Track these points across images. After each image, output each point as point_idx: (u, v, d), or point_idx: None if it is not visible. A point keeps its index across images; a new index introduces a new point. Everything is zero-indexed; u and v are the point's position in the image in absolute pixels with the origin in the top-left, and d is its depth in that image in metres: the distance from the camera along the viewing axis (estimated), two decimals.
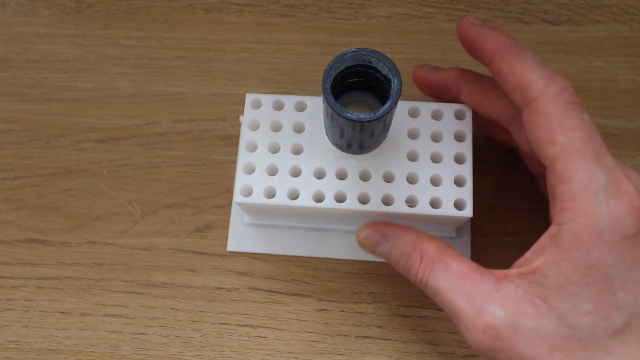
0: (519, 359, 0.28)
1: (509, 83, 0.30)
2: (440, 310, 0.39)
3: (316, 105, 0.36)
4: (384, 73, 0.29)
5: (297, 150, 0.35)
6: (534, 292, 0.28)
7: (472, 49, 0.33)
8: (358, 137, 0.30)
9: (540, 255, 0.29)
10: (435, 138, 0.35)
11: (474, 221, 0.40)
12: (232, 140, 0.43)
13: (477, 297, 0.29)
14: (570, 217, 0.28)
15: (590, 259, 0.27)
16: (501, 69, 0.31)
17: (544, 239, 0.29)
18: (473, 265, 0.30)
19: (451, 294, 0.30)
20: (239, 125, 0.43)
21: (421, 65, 0.37)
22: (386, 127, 0.31)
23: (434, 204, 0.34)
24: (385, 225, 0.34)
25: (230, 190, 0.42)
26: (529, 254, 0.30)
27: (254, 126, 0.36)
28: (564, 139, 0.28)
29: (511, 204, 0.41)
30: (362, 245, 0.34)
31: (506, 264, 0.31)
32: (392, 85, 0.28)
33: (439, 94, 0.37)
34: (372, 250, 0.34)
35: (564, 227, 0.28)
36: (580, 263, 0.27)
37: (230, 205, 0.42)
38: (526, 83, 0.29)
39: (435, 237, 0.32)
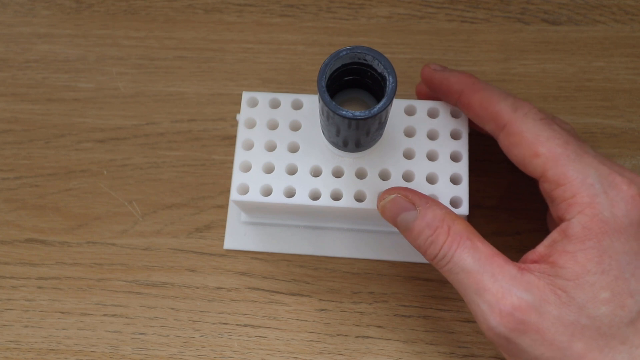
0: (541, 344, 0.29)
1: (479, 115, 0.33)
2: (440, 310, 0.39)
3: (312, 103, 0.36)
4: (379, 71, 0.29)
5: (294, 148, 0.35)
6: (554, 284, 0.29)
7: (439, 91, 0.35)
8: (354, 134, 0.30)
9: (554, 249, 0.29)
10: (432, 136, 0.35)
11: (473, 221, 0.40)
12: (232, 140, 0.43)
13: (503, 278, 0.29)
14: (577, 210, 0.29)
15: (603, 247, 0.28)
16: (470, 104, 0.33)
17: (555, 235, 0.30)
18: (497, 250, 0.31)
19: (477, 273, 0.30)
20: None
21: (430, 64, 0.37)
22: (382, 125, 0.31)
23: None
24: (412, 192, 0.32)
25: (229, 190, 0.42)
26: (541, 249, 0.30)
27: (251, 124, 0.36)
28: (544, 149, 0.30)
29: (511, 204, 0.41)
30: (384, 209, 0.33)
31: None
32: (387, 83, 0.28)
33: (440, 96, 0.36)
34: (393, 217, 0.32)
35: (574, 220, 0.29)
36: (594, 251, 0.28)
37: None
38: (495, 111, 0.32)
39: (462, 217, 0.32)
